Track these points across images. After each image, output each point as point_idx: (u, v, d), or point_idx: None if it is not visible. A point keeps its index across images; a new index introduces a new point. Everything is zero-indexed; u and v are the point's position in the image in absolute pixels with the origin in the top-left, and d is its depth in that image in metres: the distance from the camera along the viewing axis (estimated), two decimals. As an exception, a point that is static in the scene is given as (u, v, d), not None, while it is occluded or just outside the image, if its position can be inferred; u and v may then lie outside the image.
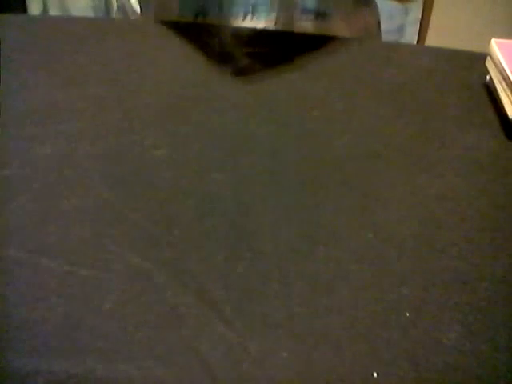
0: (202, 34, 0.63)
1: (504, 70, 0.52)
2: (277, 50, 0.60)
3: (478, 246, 0.41)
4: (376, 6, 0.74)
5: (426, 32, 1.70)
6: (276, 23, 0.65)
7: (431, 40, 1.70)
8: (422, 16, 1.68)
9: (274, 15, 0.64)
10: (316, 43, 0.63)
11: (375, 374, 0.33)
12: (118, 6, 0.74)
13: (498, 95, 0.54)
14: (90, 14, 0.84)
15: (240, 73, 0.58)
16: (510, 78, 0.51)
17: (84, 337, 0.34)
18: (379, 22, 0.79)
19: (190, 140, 0.49)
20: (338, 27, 0.70)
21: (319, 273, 0.38)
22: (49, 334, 0.34)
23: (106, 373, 0.32)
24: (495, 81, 0.54)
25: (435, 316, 0.36)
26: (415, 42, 1.71)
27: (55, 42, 0.61)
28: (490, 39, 0.56)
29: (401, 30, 1.67)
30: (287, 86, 0.56)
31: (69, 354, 0.33)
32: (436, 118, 0.53)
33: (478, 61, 0.58)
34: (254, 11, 0.64)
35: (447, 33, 1.60)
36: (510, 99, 0.51)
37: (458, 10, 1.68)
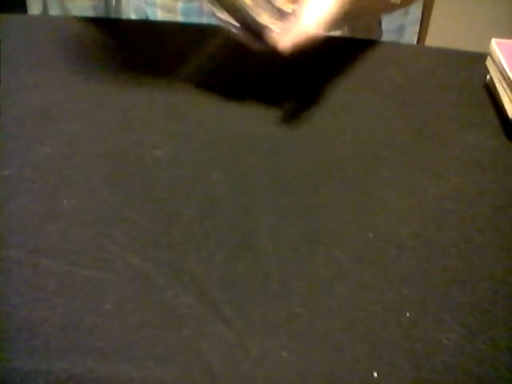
0: (203, 34, 0.62)
1: (504, 70, 0.52)
2: (276, 49, 0.60)
3: (478, 246, 0.41)
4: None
5: (426, 32, 1.70)
6: None
7: (431, 40, 1.71)
8: (422, 16, 1.68)
9: None
10: (315, 43, 0.63)
11: (375, 374, 0.33)
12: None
13: (498, 95, 0.54)
14: (90, 14, 0.84)
15: (239, 73, 0.58)
16: (510, 78, 0.51)
17: (84, 337, 0.34)
18: (380, 22, 0.79)
19: (189, 140, 0.49)
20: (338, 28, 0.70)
21: (319, 273, 0.38)
22: (49, 334, 0.34)
23: (106, 373, 0.32)
24: (495, 81, 0.54)
25: (435, 316, 0.36)
26: (415, 42, 1.71)
27: (55, 41, 0.61)
28: (490, 39, 0.56)
29: (401, 29, 1.67)
30: (287, 87, 0.56)
31: (69, 354, 0.33)
32: (436, 117, 0.53)
33: (478, 61, 0.58)
34: None
35: (447, 33, 1.60)
36: (510, 99, 0.51)
37: (458, 10, 1.68)
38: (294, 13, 0.47)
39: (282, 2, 0.48)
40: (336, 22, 0.48)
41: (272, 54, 0.48)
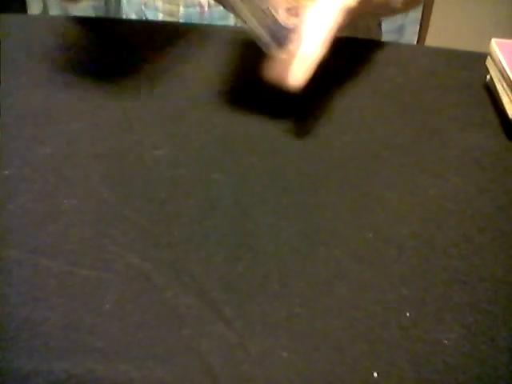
0: (203, 34, 0.63)
1: (504, 70, 0.52)
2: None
3: (478, 246, 0.41)
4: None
5: (426, 32, 1.70)
6: None
7: (431, 40, 1.71)
8: (422, 16, 1.68)
9: None
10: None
11: (375, 374, 0.33)
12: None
13: (498, 95, 0.54)
14: (90, 13, 0.84)
15: (238, 73, 0.58)
16: (510, 78, 0.51)
17: (84, 337, 0.34)
18: (380, 23, 0.79)
19: (189, 140, 0.49)
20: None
21: (319, 273, 0.38)
22: (49, 334, 0.34)
23: (106, 373, 0.32)
24: (495, 81, 0.54)
25: (435, 316, 0.36)
26: (415, 42, 1.71)
27: (55, 42, 0.61)
28: (490, 39, 0.56)
29: (401, 29, 1.67)
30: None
31: (69, 354, 0.33)
32: (436, 118, 0.53)
33: (478, 61, 0.58)
34: None
35: (447, 33, 1.60)
36: (510, 99, 0.51)
37: (458, 10, 1.68)
38: (296, 29, 0.46)
39: (285, 16, 0.47)
40: (338, 32, 0.47)
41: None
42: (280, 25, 0.47)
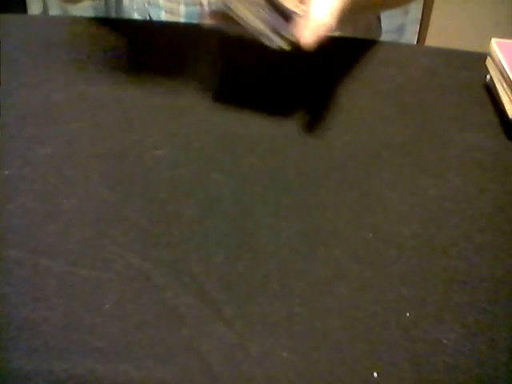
0: (204, 34, 0.63)
1: (504, 70, 0.52)
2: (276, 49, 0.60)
3: (478, 246, 0.41)
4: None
5: (426, 32, 1.70)
6: None
7: (431, 40, 1.71)
8: (422, 16, 1.68)
9: None
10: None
11: (375, 374, 0.33)
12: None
13: (498, 95, 0.54)
14: (90, 14, 0.84)
15: (238, 73, 0.58)
16: (510, 78, 0.51)
17: (84, 337, 0.34)
18: (379, 18, 0.79)
19: (189, 140, 0.49)
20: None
21: (319, 273, 0.38)
22: (49, 334, 0.34)
23: (106, 373, 0.32)
24: (495, 81, 0.54)
25: (435, 316, 0.36)
26: (415, 42, 1.71)
27: (55, 41, 0.61)
28: (490, 39, 0.56)
29: (401, 29, 1.67)
30: (287, 87, 0.56)
31: (69, 354, 0.33)
32: (436, 117, 0.53)
33: (477, 61, 0.58)
34: None
35: (447, 33, 1.60)
36: (510, 99, 0.51)
37: (458, 10, 1.68)
38: (303, 15, 0.47)
39: (293, 4, 0.47)
40: (349, 12, 0.47)
41: (286, 53, 0.47)
42: (287, 10, 0.46)
